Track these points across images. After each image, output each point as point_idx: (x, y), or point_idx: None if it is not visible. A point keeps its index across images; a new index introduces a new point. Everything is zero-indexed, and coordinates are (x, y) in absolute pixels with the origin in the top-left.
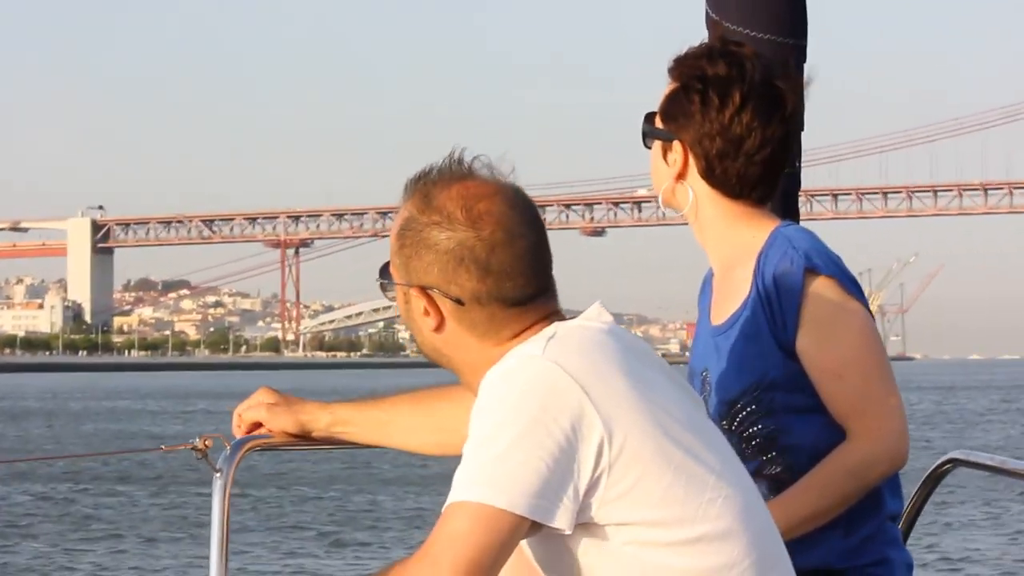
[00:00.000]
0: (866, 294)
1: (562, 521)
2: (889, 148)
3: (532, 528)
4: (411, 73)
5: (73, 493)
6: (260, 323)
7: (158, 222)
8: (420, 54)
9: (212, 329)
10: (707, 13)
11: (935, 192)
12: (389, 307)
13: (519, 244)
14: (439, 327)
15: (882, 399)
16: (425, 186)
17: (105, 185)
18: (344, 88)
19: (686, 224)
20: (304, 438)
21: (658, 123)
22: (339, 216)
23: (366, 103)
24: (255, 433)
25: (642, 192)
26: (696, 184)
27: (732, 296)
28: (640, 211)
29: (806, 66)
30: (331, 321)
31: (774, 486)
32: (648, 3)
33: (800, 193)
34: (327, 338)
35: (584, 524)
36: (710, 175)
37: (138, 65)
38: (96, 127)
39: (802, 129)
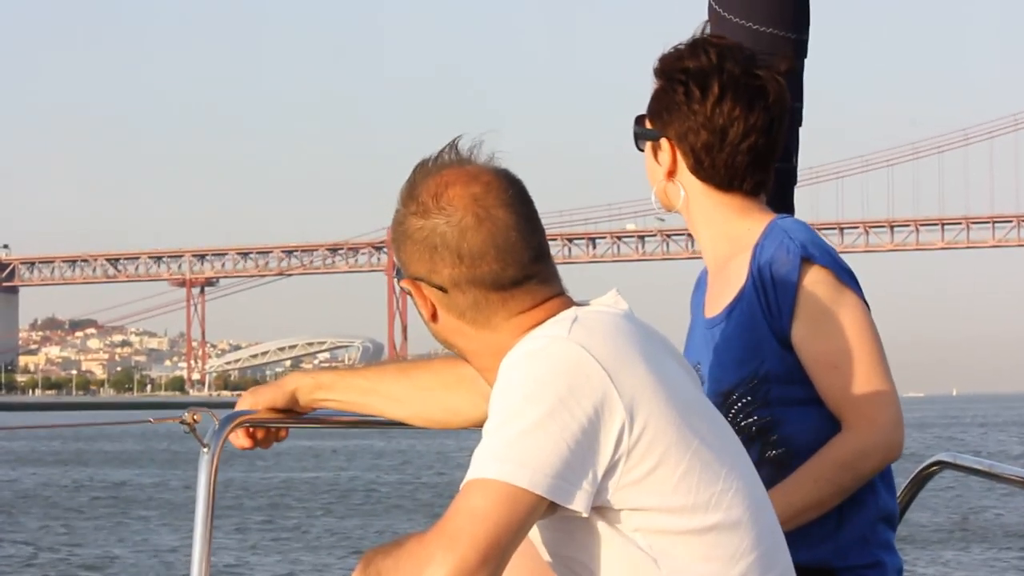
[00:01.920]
0: None
1: (580, 503)
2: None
3: (548, 509)
4: (322, 110)
5: (59, 470)
6: (167, 362)
7: (63, 261)
8: (332, 92)
9: (119, 368)
10: (710, 4)
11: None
12: (295, 346)
13: (490, 226)
14: (433, 316)
15: (877, 390)
16: (412, 179)
17: (9, 224)
18: (253, 126)
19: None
20: (292, 412)
21: (647, 125)
22: (244, 255)
23: (274, 142)
24: (244, 409)
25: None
26: (687, 180)
27: (727, 288)
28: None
29: (807, 61)
30: (237, 360)
31: (773, 472)
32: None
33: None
34: (232, 377)
35: (598, 508)
36: (699, 168)
37: (39, 101)
38: None
39: (800, 124)
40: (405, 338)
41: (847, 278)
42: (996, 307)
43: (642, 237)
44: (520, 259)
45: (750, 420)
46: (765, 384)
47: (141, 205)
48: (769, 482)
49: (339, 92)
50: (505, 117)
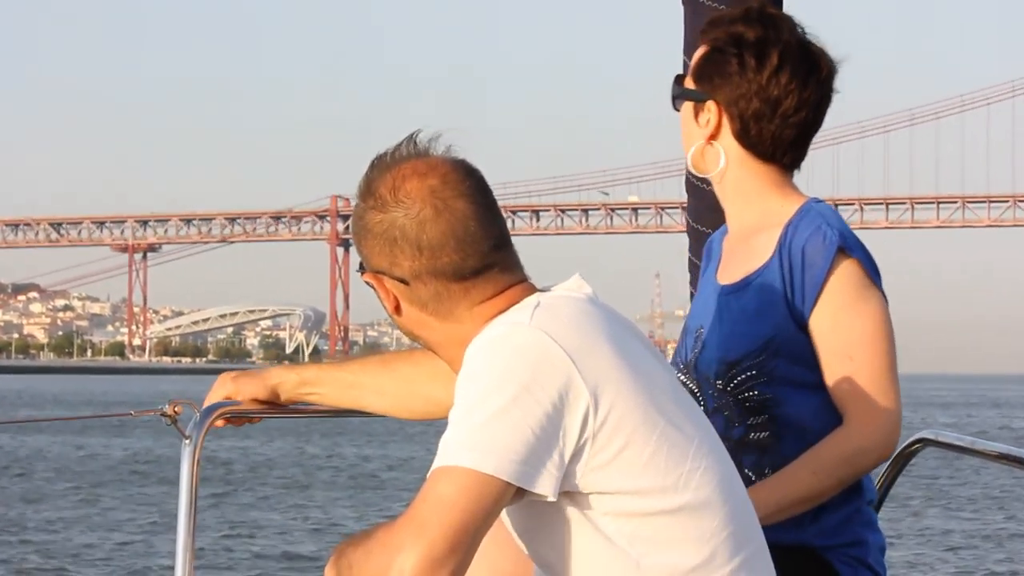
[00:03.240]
0: None
1: (546, 488)
2: None
3: (516, 495)
4: (271, 82)
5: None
6: (110, 327)
7: (5, 224)
8: (276, 60)
9: (61, 333)
10: None
11: None
12: (236, 313)
13: (448, 217)
14: (397, 309)
15: (885, 388)
16: (368, 173)
17: None
18: (200, 91)
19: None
20: (274, 404)
21: (689, 84)
22: (187, 221)
23: (219, 110)
24: (225, 400)
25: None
26: (728, 145)
27: (748, 259)
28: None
29: None
30: (178, 326)
31: (759, 452)
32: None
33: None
34: (173, 343)
35: (567, 492)
36: (744, 136)
37: None
38: None
39: None
40: (347, 307)
41: (875, 275)
42: (941, 289)
43: (585, 211)
44: (480, 249)
45: (751, 394)
46: (773, 360)
47: (84, 170)
48: (760, 456)
49: (283, 61)
50: (432, 82)
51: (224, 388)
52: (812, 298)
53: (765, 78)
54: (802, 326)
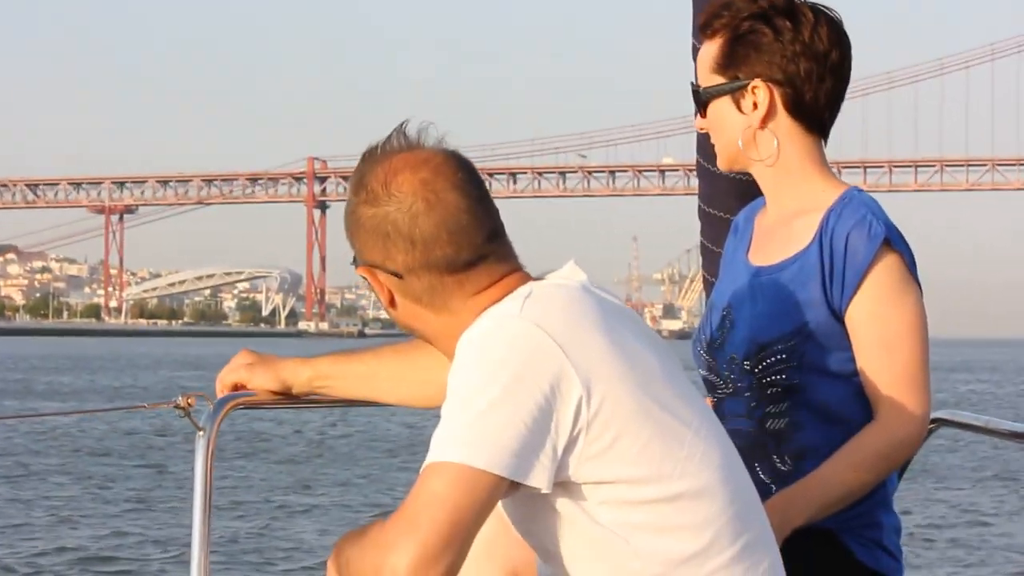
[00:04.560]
0: (693, 272)
1: (540, 480)
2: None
3: (510, 488)
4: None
5: (53, 452)
6: (87, 289)
7: None
8: (255, 21)
9: (39, 295)
10: None
11: None
12: (212, 275)
13: (440, 211)
14: (391, 302)
15: (920, 381)
16: (360, 166)
17: None
18: (177, 53)
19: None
20: (286, 395)
21: (713, 82)
22: (164, 183)
23: (196, 70)
24: (238, 391)
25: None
26: (778, 124)
27: (786, 243)
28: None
29: None
30: (154, 289)
31: (776, 441)
32: None
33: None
34: (150, 305)
35: (562, 483)
36: (798, 106)
37: None
38: None
39: None
40: (324, 269)
41: (914, 269)
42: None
43: (563, 173)
44: (473, 240)
45: (779, 378)
46: (804, 344)
47: (61, 132)
48: (776, 444)
49: (260, 22)
50: (410, 43)
51: (238, 374)
52: (852, 287)
53: (808, 34)
54: (837, 314)
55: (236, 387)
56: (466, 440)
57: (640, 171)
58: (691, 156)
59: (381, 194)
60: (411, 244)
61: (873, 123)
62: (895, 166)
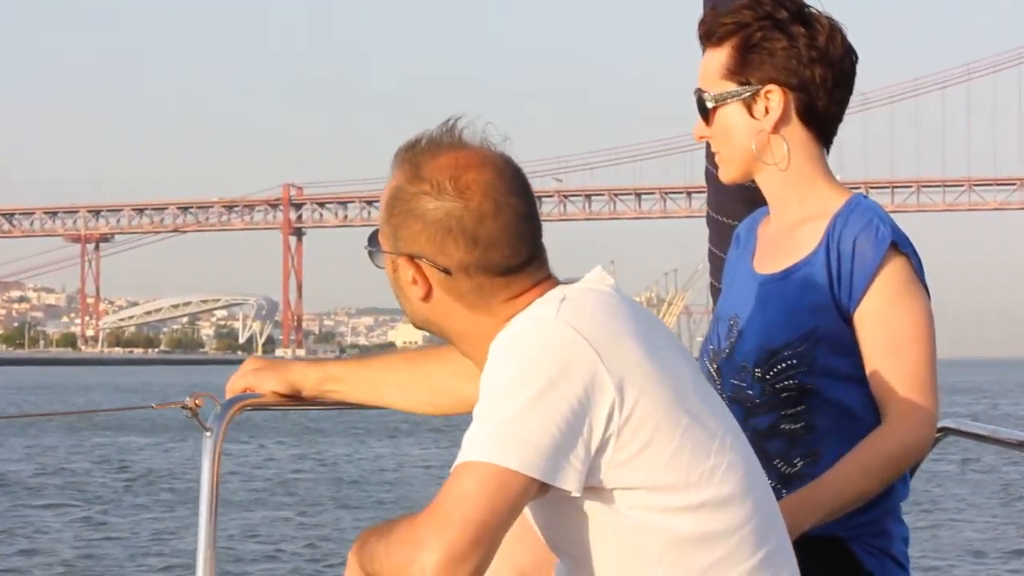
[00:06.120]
0: (672, 296)
1: (571, 483)
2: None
3: (540, 490)
4: (221, 71)
5: (62, 452)
6: (64, 318)
7: None
8: (232, 46)
9: (16, 324)
10: None
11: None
12: (189, 303)
13: (507, 214)
14: (427, 296)
15: (927, 385)
16: (414, 155)
17: None
18: (153, 80)
19: None
20: (294, 398)
21: (723, 89)
22: (140, 211)
23: (171, 96)
24: (246, 393)
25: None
26: (790, 131)
27: (792, 250)
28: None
29: None
30: (131, 317)
31: (789, 443)
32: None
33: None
34: (126, 334)
35: (590, 487)
36: (811, 109)
37: None
38: None
39: None
40: (300, 296)
41: (921, 273)
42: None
43: (539, 197)
44: (527, 246)
45: (789, 383)
46: (814, 349)
47: (36, 159)
48: (781, 454)
49: (234, 49)
50: (376, 55)
51: (245, 379)
52: (860, 290)
53: (823, 40)
54: (846, 318)
55: (245, 391)
56: (499, 440)
57: (616, 195)
58: (667, 180)
59: (449, 188)
60: (473, 243)
61: (848, 143)
62: (871, 187)
